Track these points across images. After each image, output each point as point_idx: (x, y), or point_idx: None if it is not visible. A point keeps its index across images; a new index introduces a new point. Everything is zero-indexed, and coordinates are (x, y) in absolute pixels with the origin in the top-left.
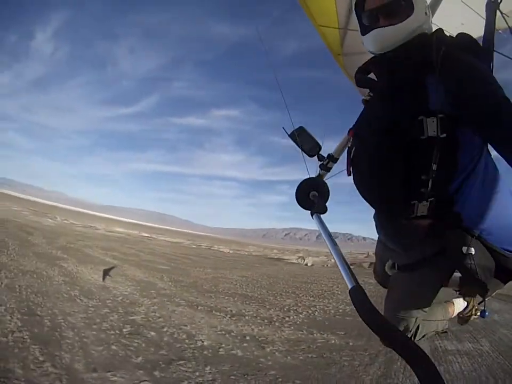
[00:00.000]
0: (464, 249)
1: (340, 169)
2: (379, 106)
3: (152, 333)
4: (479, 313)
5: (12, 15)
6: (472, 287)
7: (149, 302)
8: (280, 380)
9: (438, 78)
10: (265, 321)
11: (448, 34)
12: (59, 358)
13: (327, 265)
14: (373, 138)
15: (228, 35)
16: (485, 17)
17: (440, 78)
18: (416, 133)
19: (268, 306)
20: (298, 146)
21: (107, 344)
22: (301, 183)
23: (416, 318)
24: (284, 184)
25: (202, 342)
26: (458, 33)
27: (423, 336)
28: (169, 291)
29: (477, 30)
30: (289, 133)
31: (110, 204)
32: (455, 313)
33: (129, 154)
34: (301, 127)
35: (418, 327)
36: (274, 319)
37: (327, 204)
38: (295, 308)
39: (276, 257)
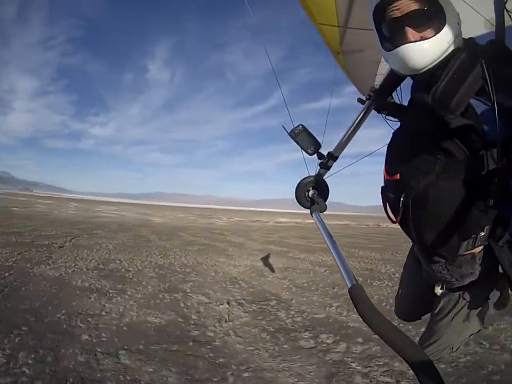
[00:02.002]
0: None
1: (339, 168)
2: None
3: None
4: None
5: (120, 58)
6: None
7: None
8: None
9: (488, 101)
10: None
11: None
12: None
13: None
14: (427, 180)
15: None
16: (482, 15)
17: (492, 103)
18: (477, 170)
19: None
20: (298, 145)
21: None
22: (300, 181)
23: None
24: None
25: None
26: (489, 43)
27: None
28: None
29: (474, 29)
30: (288, 131)
31: (261, 197)
32: None
33: (274, 147)
34: (300, 125)
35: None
36: None
37: (326, 203)
38: None
39: None
